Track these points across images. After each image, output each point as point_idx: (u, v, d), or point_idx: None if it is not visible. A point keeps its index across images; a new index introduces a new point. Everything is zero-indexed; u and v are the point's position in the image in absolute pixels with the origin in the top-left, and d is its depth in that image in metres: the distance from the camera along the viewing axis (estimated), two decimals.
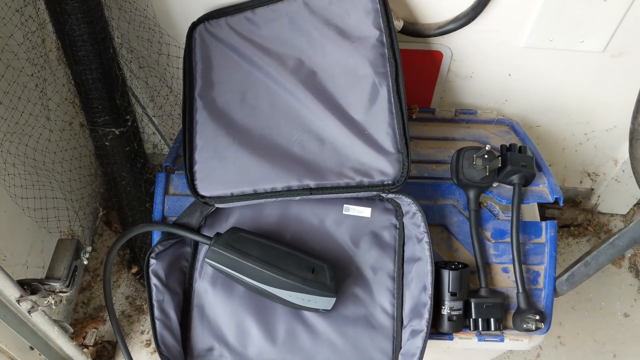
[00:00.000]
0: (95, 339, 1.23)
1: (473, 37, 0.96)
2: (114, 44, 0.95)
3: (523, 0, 0.89)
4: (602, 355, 1.23)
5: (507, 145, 0.87)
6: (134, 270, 1.31)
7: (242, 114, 0.82)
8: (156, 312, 0.77)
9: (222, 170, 0.78)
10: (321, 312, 0.77)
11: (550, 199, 0.85)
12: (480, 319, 0.80)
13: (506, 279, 0.84)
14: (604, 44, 0.94)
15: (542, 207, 1.29)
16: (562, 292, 0.83)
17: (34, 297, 0.84)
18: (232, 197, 0.77)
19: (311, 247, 0.80)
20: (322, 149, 0.78)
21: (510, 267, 0.84)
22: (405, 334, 0.78)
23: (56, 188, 1.09)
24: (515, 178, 0.84)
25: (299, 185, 0.76)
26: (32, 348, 0.96)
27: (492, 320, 0.80)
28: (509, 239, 0.84)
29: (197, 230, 0.80)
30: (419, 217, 0.77)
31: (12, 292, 0.82)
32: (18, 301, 0.83)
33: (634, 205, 1.38)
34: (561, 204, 0.85)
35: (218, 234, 0.77)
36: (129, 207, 1.12)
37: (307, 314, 0.79)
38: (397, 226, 0.82)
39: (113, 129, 0.99)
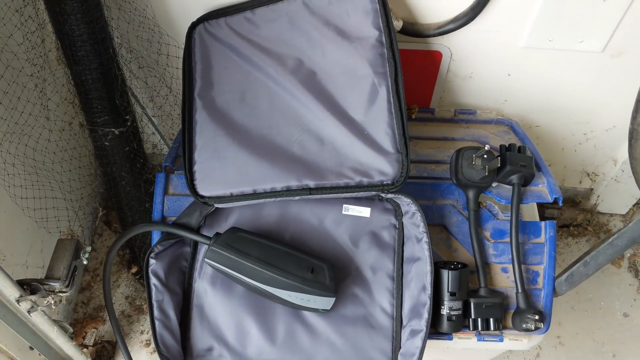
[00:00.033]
0: (95, 339, 1.23)
1: (472, 37, 0.96)
2: (114, 44, 0.95)
3: (522, 0, 0.89)
4: (601, 355, 1.23)
5: (507, 145, 0.87)
6: (134, 270, 1.31)
7: (242, 114, 0.82)
8: (156, 312, 0.77)
9: (222, 170, 0.78)
10: (320, 312, 0.78)
11: (550, 199, 0.85)
12: (479, 319, 0.80)
13: (505, 279, 0.84)
14: (604, 44, 0.94)
15: (542, 207, 1.29)
16: (561, 292, 0.83)
17: (33, 297, 0.84)
18: (232, 197, 0.77)
19: (310, 247, 0.80)
20: (322, 149, 0.78)
21: (510, 267, 0.84)
22: (405, 333, 0.78)
23: (56, 188, 1.09)
24: (514, 178, 0.84)
25: (299, 185, 0.76)
26: (31, 348, 0.96)
27: (491, 320, 0.80)
28: (508, 239, 0.84)
29: (196, 230, 0.80)
30: (418, 217, 0.77)
31: (12, 292, 0.82)
32: (18, 301, 0.83)
33: (634, 205, 1.38)
34: (560, 204, 0.85)
35: (217, 234, 0.77)
36: (128, 207, 1.12)
37: (306, 313, 0.79)
38: (397, 226, 0.82)
39: (112, 129, 0.99)
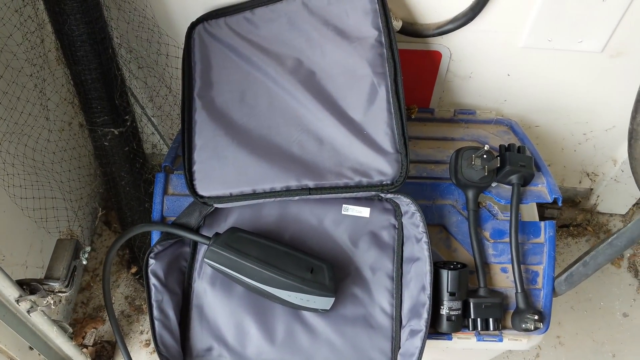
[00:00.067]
0: (95, 339, 1.23)
1: (472, 37, 0.96)
2: (113, 44, 0.95)
3: (522, 0, 0.89)
4: (601, 355, 1.23)
5: (506, 145, 0.87)
6: (133, 270, 1.31)
7: (241, 114, 0.82)
8: (155, 312, 0.77)
9: (221, 170, 0.78)
10: (320, 312, 0.78)
11: (549, 199, 0.85)
12: (479, 319, 0.80)
13: (505, 279, 0.84)
14: (603, 44, 0.94)
15: (541, 207, 1.29)
16: (560, 292, 0.83)
17: (33, 297, 0.84)
18: (231, 197, 0.77)
19: (310, 247, 0.80)
20: (321, 149, 0.78)
21: (509, 267, 0.84)
22: (404, 333, 0.78)
23: (55, 188, 1.09)
24: (514, 178, 0.84)
25: (298, 185, 0.76)
26: (31, 348, 0.96)
27: (490, 320, 0.80)
28: (507, 239, 0.84)
29: (196, 230, 0.80)
30: (418, 217, 0.77)
31: (11, 292, 0.82)
32: (17, 301, 0.83)
33: (633, 205, 1.38)
34: (560, 204, 0.85)
35: (217, 234, 0.77)
36: (128, 207, 1.12)
37: (306, 313, 0.79)
38: (396, 226, 0.82)
39: (112, 129, 0.99)
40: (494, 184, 0.87)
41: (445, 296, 0.78)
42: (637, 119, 0.61)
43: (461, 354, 1.00)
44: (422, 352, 0.74)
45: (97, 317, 1.27)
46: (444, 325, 0.79)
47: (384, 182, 0.76)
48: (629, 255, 1.36)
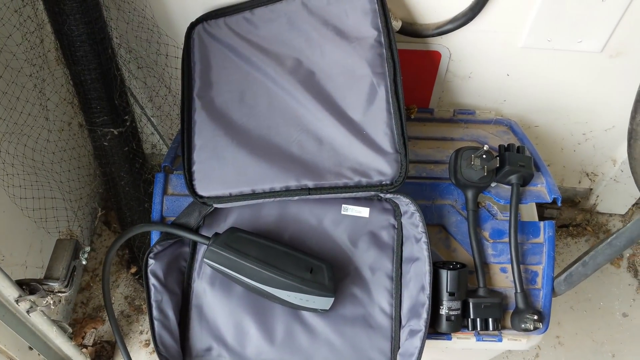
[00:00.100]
0: (94, 339, 1.23)
1: (471, 37, 0.96)
2: (113, 44, 0.95)
3: (521, 0, 0.89)
4: (600, 355, 1.23)
5: (506, 145, 0.87)
6: (133, 270, 1.31)
7: (241, 114, 0.82)
8: (155, 312, 0.77)
9: (221, 170, 0.78)
10: (319, 312, 0.78)
11: (549, 199, 0.85)
12: (478, 319, 0.80)
13: (504, 279, 0.84)
14: (602, 44, 0.94)
15: (541, 207, 1.29)
16: (560, 292, 0.83)
17: (32, 297, 0.84)
18: (231, 197, 0.77)
19: (309, 247, 0.81)
20: (321, 149, 0.78)
21: (509, 267, 0.84)
22: (404, 334, 0.78)
23: (55, 188, 1.09)
24: (513, 178, 0.84)
25: (298, 185, 0.76)
26: (31, 348, 0.96)
27: (490, 320, 0.80)
28: (507, 239, 0.84)
29: (195, 231, 0.80)
30: (417, 217, 0.77)
31: (11, 292, 0.82)
32: (17, 301, 0.83)
33: (633, 205, 1.38)
34: (559, 204, 0.85)
35: (216, 234, 0.77)
36: (127, 207, 1.12)
37: (305, 314, 0.79)
38: (396, 226, 0.82)
39: (112, 129, 0.99)
40: (493, 184, 0.87)
41: (445, 296, 0.78)
42: (636, 119, 0.61)
43: (460, 354, 1.00)
44: (422, 352, 0.74)
45: (96, 317, 1.27)
46: (444, 325, 0.79)
47: (384, 182, 0.76)
48: (628, 255, 1.36)
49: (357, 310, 0.79)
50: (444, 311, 0.79)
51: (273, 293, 0.74)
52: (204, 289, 0.80)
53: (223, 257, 0.74)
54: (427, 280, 0.76)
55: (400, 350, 0.77)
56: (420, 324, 0.75)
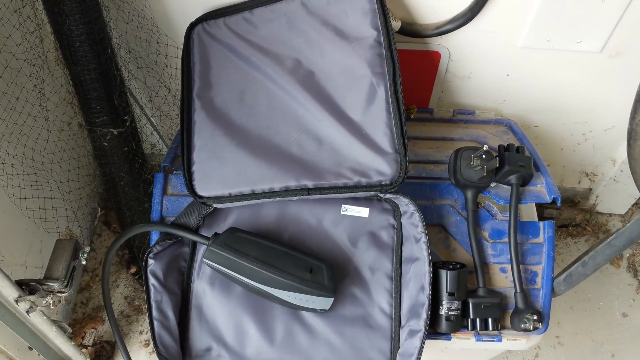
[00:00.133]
0: (94, 339, 1.23)
1: (471, 37, 0.96)
2: (112, 45, 0.95)
3: (521, 0, 0.89)
4: (600, 355, 1.23)
5: (505, 146, 0.87)
6: (133, 270, 1.31)
7: (240, 114, 0.82)
8: (154, 312, 0.77)
9: (220, 171, 0.78)
10: (319, 312, 0.78)
11: (548, 199, 0.85)
12: (478, 319, 0.80)
13: (504, 279, 0.84)
14: (602, 44, 0.94)
15: (541, 207, 1.29)
16: (559, 292, 0.83)
17: (32, 297, 0.84)
18: (230, 198, 0.77)
19: (309, 247, 0.81)
20: (320, 149, 0.78)
21: (508, 267, 0.84)
22: (403, 334, 0.78)
23: (55, 188, 1.09)
24: (513, 178, 0.84)
25: (297, 185, 0.76)
26: (30, 348, 0.96)
27: (490, 320, 0.80)
28: (506, 239, 0.84)
29: (195, 231, 0.80)
30: (417, 217, 0.77)
31: (11, 292, 0.82)
32: (16, 301, 0.83)
33: (632, 205, 1.39)
34: (559, 204, 0.85)
35: (216, 234, 0.77)
36: (127, 207, 1.12)
37: (305, 314, 0.79)
38: (395, 226, 0.82)
39: (111, 129, 0.99)
40: (493, 184, 0.87)
41: (445, 296, 0.78)
42: (636, 119, 0.61)
43: (460, 354, 1.00)
44: (421, 352, 0.74)
45: (96, 317, 1.27)
46: (443, 325, 0.79)
47: (383, 182, 0.76)
48: (628, 255, 1.36)
49: (356, 310, 0.79)
50: (443, 311, 0.79)
51: (273, 293, 0.74)
52: (203, 289, 0.80)
53: (223, 257, 0.74)
54: (426, 281, 0.76)
55: (399, 351, 0.77)
56: (420, 324, 0.75)
